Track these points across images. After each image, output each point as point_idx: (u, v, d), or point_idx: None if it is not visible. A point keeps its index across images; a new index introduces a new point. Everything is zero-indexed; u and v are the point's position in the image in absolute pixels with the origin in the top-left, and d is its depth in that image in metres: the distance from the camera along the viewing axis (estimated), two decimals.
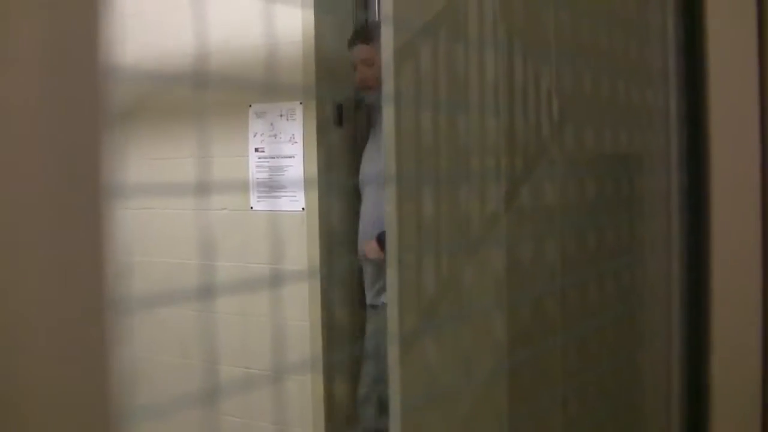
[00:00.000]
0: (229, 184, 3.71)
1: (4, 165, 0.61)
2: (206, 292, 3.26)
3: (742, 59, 2.23)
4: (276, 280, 3.57)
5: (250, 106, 3.63)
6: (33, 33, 0.60)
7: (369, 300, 3.37)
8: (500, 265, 3.38)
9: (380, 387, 3.23)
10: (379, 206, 3.02)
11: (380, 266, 3.16)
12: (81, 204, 0.63)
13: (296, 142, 3.51)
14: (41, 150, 0.61)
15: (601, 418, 3.41)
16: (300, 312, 3.62)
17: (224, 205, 3.79)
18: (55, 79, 0.61)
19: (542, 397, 3.21)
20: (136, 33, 3.87)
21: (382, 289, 3.15)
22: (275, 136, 3.58)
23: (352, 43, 3.25)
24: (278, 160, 3.59)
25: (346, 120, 3.50)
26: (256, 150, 3.66)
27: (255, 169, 3.69)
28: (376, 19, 3.20)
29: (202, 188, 3.87)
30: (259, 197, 3.70)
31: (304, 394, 3.67)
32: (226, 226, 3.78)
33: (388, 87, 3.10)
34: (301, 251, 3.58)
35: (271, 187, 3.64)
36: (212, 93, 3.45)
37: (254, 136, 3.66)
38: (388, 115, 3.08)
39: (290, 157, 3.54)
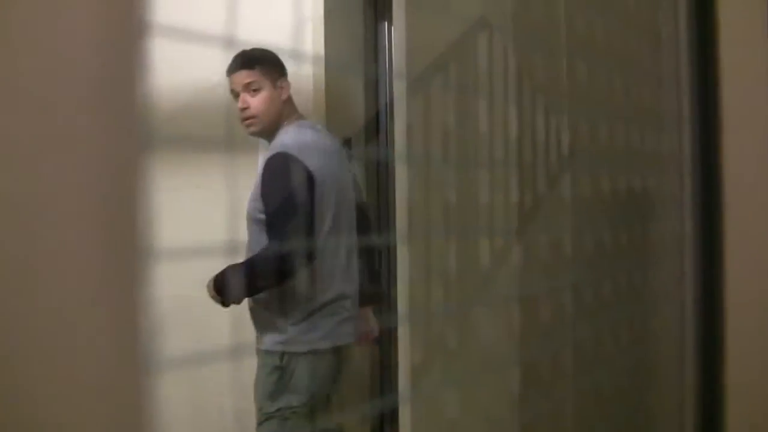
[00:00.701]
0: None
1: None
2: None
3: (753, 61, 2.29)
4: None
5: (260, 140, 3.62)
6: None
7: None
8: (512, 295, 3.73)
9: None
10: (252, 244, 3.04)
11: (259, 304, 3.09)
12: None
13: None
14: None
15: (617, 420, 3.76)
16: None
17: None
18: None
19: (556, 396, 3.52)
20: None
21: (262, 332, 3.07)
22: None
23: (233, 69, 3.11)
24: None
25: (355, 154, 3.66)
26: None
27: None
28: (258, 47, 3.11)
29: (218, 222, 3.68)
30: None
31: None
32: None
33: (400, 115, 3.54)
34: None
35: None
36: (221, 126, 3.53)
37: None
38: (400, 143, 3.50)
39: None
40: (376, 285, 3.33)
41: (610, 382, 4.05)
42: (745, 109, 2.27)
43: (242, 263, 2.94)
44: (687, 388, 3.04)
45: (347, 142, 3.62)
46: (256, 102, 3.01)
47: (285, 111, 3.05)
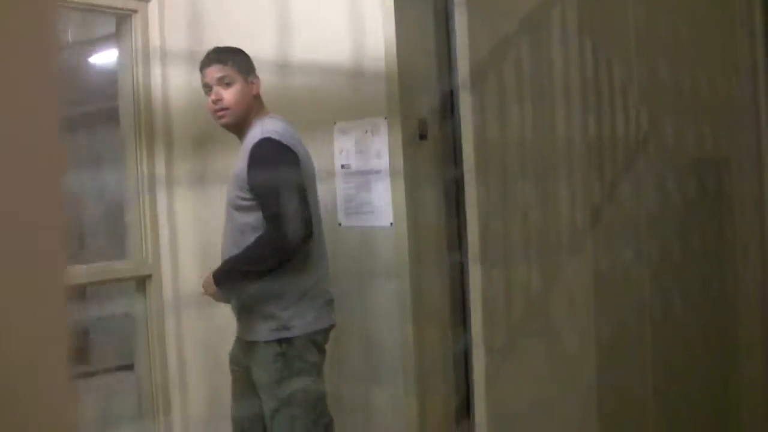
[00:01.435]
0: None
1: None
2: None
3: None
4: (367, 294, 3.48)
5: (335, 123, 3.65)
6: None
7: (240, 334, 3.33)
8: (587, 279, 3.68)
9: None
10: (234, 231, 3.17)
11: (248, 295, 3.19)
12: None
13: (382, 158, 3.57)
14: None
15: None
16: (390, 324, 3.51)
17: None
18: None
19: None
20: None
21: (253, 323, 3.19)
22: (361, 152, 3.61)
23: (206, 64, 3.29)
24: (365, 176, 3.60)
25: (430, 133, 3.66)
26: (343, 167, 3.63)
27: (342, 185, 3.63)
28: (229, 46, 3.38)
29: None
30: (347, 213, 3.61)
31: (397, 412, 3.46)
32: None
33: (465, 98, 3.53)
34: (391, 266, 3.52)
35: (359, 203, 3.59)
36: (296, 111, 3.57)
37: (340, 152, 3.65)
38: (466, 129, 3.49)
39: (376, 172, 3.58)
40: None
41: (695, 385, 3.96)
42: None
43: (242, 253, 3.08)
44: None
45: (422, 124, 3.62)
46: (228, 95, 3.20)
47: (255, 106, 3.25)
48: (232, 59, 3.26)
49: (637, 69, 4.01)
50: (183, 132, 4.25)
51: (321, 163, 3.62)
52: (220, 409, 3.66)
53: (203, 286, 3.22)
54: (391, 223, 3.52)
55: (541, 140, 3.84)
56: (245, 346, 3.27)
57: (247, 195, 3.12)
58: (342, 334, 3.54)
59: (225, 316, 3.44)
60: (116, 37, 4.55)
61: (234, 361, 3.39)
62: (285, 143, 3.10)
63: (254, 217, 3.12)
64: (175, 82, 4.32)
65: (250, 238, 3.10)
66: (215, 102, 3.24)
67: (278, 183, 2.98)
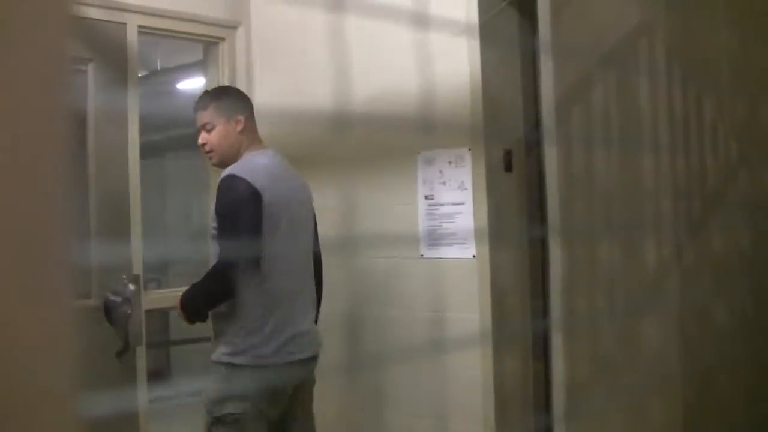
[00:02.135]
0: (399, 233, 3.60)
1: None
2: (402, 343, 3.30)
3: None
4: (448, 330, 3.45)
5: (419, 153, 3.63)
6: None
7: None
8: (676, 318, 3.57)
9: None
10: (213, 259, 3.19)
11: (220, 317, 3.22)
12: None
13: (466, 189, 3.53)
14: None
15: None
16: (471, 362, 3.47)
17: (395, 253, 3.65)
18: None
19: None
20: (305, 82, 3.81)
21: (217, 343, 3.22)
22: (444, 183, 3.58)
23: (195, 110, 3.44)
24: (448, 207, 3.57)
25: (515, 165, 3.61)
26: (426, 197, 3.61)
27: (425, 216, 3.61)
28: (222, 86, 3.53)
29: (374, 237, 3.71)
30: (429, 245, 3.59)
31: None
32: (396, 275, 3.66)
33: (549, 127, 3.47)
34: (473, 299, 3.48)
35: (441, 234, 3.57)
36: (380, 140, 3.55)
37: (423, 183, 3.63)
38: (550, 163, 3.43)
39: (460, 204, 3.54)
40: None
41: None
42: None
43: (198, 281, 3.21)
44: None
45: (507, 154, 3.59)
46: (211, 138, 3.33)
47: (243, 141, 3.33)
48: (213, 104, 3.37)
49: (728, 102, 3.92)
50: None
51: (403, 193, 3.61)
52: None
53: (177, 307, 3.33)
54: (474, 256, 3.48)
55: (627, 176, 3.78)
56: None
57: (215, 225, 3.21)
58: (418, 366, 3.51)
59: None
60: (203, 64, 4.60)
61: None
62: (242, 177, 3.14)
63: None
64: (260, 110, 4.35)
65: None
66: (201, 146, 3.38)
67: (229, 219, 3.11)
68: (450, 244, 3.56)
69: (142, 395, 3.89)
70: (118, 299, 3.55)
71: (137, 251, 3.81)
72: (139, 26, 3.99)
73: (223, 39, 4.40)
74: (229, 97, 3.42)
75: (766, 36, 4.16)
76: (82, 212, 3.82)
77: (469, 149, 3.53)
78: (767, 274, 4.01)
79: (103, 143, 3.89)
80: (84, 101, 3.91)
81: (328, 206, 3.80)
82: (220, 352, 3.16)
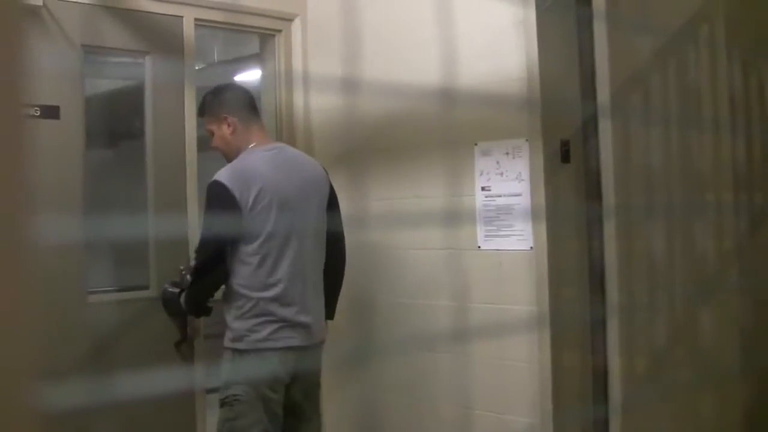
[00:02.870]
0: (457, 224, 3.59)
1: None
2: (457, 333, 3.33)
3: None
4: (506, 321, 3.42)
5: (476, 144, 3.61)
6: None
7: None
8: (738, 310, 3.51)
9: None
10: None
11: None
12: None
13: (523, 180, 3.50)
14: None
15: None
16: (527, 354, 3.44)
17: (452, 244, 3.64)
18: None
19: None
20: (361, 73, 3.81)
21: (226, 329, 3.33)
22: (501, 174, 3.56)
23: (198, 116, 3.68)
24: (505, 199, 3.54)
25: (573, 156, 3.58)
26: (483, 189, 3.59)
27: (482, 207, 3.59)
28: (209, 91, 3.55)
29: (431, 227, 3.70)
30: (486, 236, 3.57)
31: None
32: (453, 266, 3.66)
33: (605, 122, 3.41)
34: (530, 290, 3.45)
35: (499, 225, 3.54)
36: (437, 132, 3.53)
37: (480, 174, 3.61)
38: (606, 154, 3.38)
39: (517, 195, 3.51)
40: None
41: None
42: None
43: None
44: None
45: (564, 144, 3.55)
46: (214, 141, 3.46)
47: (241, 140, 3.40)
48: (207, 109, 3.48)
49: None
50: (325, 151, 4.25)
51: (461, 184, 3.59)
52: None
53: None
54: (531, 247, 3.46)
55: (686, 165, 3.73)
56: None
57: None
58: (474, 358, 3.50)
59: None
60: (260, 56, 4.61)
61: None
62: (223, 183, 3.20)
63: None
64: (317, 102, 4.35)
65: None
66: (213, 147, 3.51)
67: (204, 223, 3.38)
68: (507, 236, 3.53)
69: (199, 386, 3.92)
70: (176, 290, 3.58)
71: (195, 243, 3.84)
72: (196, 19, 4.02)
73: (279, 31, 4.41)
74: (218, 99, 3.47)
75: None
76: (140, 204, 3.86)
77: (526, 140, 3.50)
78: None
79: (161, 136, 3.92)
80: (141, 93, 3.94)
81: (384, 197, 3.80)
82: (227, 338, 3.30)
